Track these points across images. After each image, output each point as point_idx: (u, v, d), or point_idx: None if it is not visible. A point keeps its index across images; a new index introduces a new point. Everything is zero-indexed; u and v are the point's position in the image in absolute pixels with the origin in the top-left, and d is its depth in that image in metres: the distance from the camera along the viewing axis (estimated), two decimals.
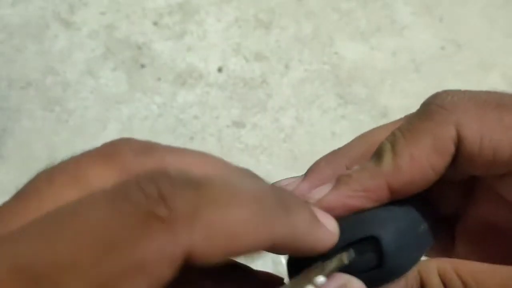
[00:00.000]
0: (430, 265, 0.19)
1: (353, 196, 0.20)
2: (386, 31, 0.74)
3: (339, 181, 0.20)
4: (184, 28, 0.73)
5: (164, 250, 0.13)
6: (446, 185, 0.21)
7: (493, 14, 0.76)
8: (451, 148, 0.19)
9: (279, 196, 0.16)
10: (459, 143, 0.19)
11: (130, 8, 0.74)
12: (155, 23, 0.73)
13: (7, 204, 0.16)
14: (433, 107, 0.19)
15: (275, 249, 0.16)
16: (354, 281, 0.18)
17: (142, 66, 0.70)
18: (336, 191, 0.20)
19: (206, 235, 0.14)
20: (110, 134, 0.66)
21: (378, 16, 0.75)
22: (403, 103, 0.69)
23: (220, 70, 0.70)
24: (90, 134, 0.66)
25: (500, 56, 0.74)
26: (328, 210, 0.19)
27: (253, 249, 0.15)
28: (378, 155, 0.19)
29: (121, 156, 0.16)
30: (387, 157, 0.19)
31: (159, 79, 0.69)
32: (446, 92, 0.20)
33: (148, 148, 0.17)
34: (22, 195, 0.16)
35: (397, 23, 0.75)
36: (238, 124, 0.67)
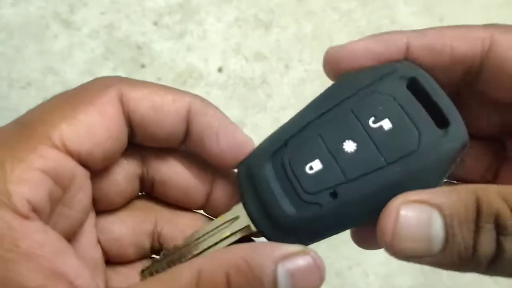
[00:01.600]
0: (489, 188, 0.19)
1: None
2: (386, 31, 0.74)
3: None
4: (184, 28, 0.73)
5: None
6: (487, 111, 0.23)
7: (493, 14, 0.76)
8: None
9: None
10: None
11: (130, 8, 0.74)
12: (155, 23, 0.73)
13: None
14: None
15: None
16: None
17: (142, 66, 0.70)
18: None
19: None
20: None
21: (378, 16, 0.75)
22: None
23: (220, 70, 0.70)
24: None
25: None
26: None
27: None
28: None
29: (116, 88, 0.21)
30: None
31: (159, 79, 0.69)
32: None
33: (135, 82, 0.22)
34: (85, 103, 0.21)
35: (397, 23, 0.75)
36: (238, 124, 0.67)
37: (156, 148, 0.23)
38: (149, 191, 0.24)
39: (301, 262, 0.20)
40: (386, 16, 0.75)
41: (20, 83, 0.68)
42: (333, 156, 0.23)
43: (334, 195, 0.22)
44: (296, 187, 0.23)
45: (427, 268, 0.66)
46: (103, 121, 0.20)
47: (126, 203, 0.24)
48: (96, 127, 0.20)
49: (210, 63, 0.71)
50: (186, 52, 0.71)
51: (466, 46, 0.21)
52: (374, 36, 0.23)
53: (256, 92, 0.69)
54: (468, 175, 0.25)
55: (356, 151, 0.22)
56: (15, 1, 0.74)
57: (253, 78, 0.70)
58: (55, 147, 0.19)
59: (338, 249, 0.62)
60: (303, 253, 0.20)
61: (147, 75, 0.70)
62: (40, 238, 0.18)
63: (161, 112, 0.22)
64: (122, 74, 0.70)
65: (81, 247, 0.22)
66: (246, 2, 0.74)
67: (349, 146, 0.23)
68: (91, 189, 0.22)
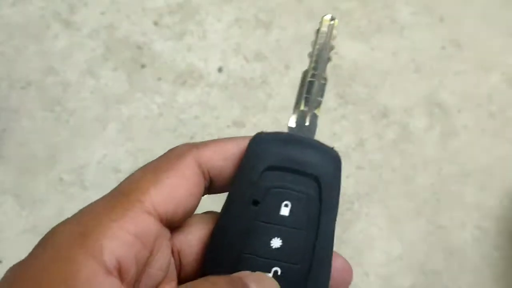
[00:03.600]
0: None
1: None
2: (386, 31, 0.74)
3: None
4: (184, 28, 0.73)
5: None
6: None
7: (493, 14, 0.76)
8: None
9: None
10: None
11: (130, 8, 0.74)
12: (155, 23, 0.73)
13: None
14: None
15: None
16: None
17: (142, 66, 0.70)
18: None
19: None
20: (110, 134, 0.66)
21: (378, 16, 0.75)
22: (403, 103, 0.69)
23: (220, 70, 0.70)
24: (90, 134, 0.66)
25: (501, 56, 0.74)
26: None
27: None
28: None
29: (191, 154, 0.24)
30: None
31: (159, 79, 0.69)
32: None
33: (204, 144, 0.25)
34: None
35: (397, 23, 0.75)
36: (238, 124, 0.67)
37: None
38: None
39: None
40: (386, 16, 0.75)
41: (20, 83, 0.68)
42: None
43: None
44: None
45: (427, 268, 0.66)
46: (183, 182, 0.23)
47: None
48: (178, 188, 0.23)
49: (210, 63, 0.71)
50: (186, 52, 0.71)
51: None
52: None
53: (256, 92, 0.69)
54: None
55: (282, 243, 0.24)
56: (15, 1, 0.74)
57: (253, 78, 0.70)
58: (147, 211, 0.22)
59: (338, 249, 0.62)
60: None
61: (147, 75, 0.70)
62: None
63: (229, 161, 0.25)
64: (122, 74, 0.70)
65: None
66: (246, 2, 0.74)
67: (276, 242, 0.24)
68: (170, 248, 0.24)
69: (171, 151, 0.25)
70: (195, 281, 0.22)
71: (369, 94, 0.70)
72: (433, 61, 0.73)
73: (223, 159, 0.25)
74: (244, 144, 0.25)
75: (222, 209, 0.25)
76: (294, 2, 0.74)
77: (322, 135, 0.75)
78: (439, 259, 0.63)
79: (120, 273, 0.20)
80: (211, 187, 0.26)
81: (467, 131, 0.69)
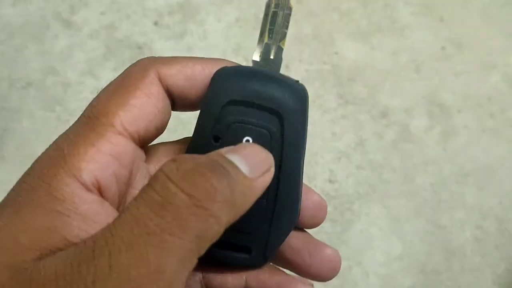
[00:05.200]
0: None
1: None
2: (386, 31, 0.74)
3: None
4: (185, 28, 0.73)
5: None
6: None
7: (493, 14, 0.76)
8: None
9: None
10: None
11: (130, 8, 0.74)
12: (155, 23, 0.73)
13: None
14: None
15: None
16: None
17: None
18: None
19: None
20: None
21: (378, 16, 0.75)
22: (403, 103, 0.69)
23: None
24: None
25: (501, 56, 0.74)
26: None
27: None
28: None
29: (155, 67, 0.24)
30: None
31: None
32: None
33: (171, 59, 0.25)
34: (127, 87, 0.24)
35: (397, 23, 0.75)
36: None
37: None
38: None
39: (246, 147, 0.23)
40: (386, 16, 0.75)
41: (20, 83, 0.68)
42: None
43: None
44: None
45: (427, 268, 0.66)
46: (150, 101, 0.24)
47: None
48: (146, 106, 0.24)
49: None
50: (187, 52, 0.71)
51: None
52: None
53: None
54: None
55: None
56: (15, 1, 0.74)
57: None
58: (119, 133, 0.22)
59: (338, 249, 0.62)
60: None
61: None
62: (97, 207, 0.21)
63: (194, 81, 0.25)
64: None
65: None
66: (246, 2, 0.74)
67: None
68: (147, 170, 0.25)
69: (134, 65, 0.25)
70: (179, 155, 0.22)
71: (369, 94, 0.70)
72: (433, 61, 0.73)
73: (186, 79, 0.25)
74: (211, 68, 0.25)
75: (189, 142, 0.26)
76: (294, 2, 0.74)
77: (322, 135, 0.75)
78: (439, 259, 0.63)
79: (100, 191, 0.21)
80: (175, 105, 0.26)
81: (467, 131, 0.69)
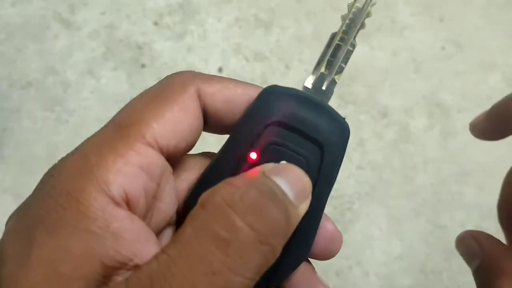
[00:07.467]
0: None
1: None
2: (386, 31, 0.74)
3: None
4: (185, 28, 0.73)
5: None
6: None
7: (493, 14, 0.76)
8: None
9: None
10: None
11: (130, 8, 0.74)
12: (155, 23, 0.73)
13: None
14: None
15: None
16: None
17: (143, 66, 0.70)
18: None
19: None
20: None
21: (378, 16, 0.75)
22: (403, 103, 0.69)
23: (220, 70, 0.70)
24: (90, 134, 0.66)
25: (501, 56, 0.74)
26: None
27: None
28: None
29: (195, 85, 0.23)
30: None
31: (159, 79, 0.69)
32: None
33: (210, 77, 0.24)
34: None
35: (397, 23, 0.75)
36: None
37: None
38: None
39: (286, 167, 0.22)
40: (386, 16, 0.75)
41: (20, 83, 0.68)
42: None
43: None
44: None
45: (427, 268, 0.66)
46: (186, 117, 0.23)
47: None
48: (181, 122, 0.23)
49: (210, 63, 0.71)
50: (187, 52, 0.71)
51: None
52: None
53: None
54: None
55: None
56: (15, 1, 0.74)
57: (254, 78, 0.70)
58: (149, 145, 0.21)
59: None
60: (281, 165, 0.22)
61: (147, 75, 0.70)
62: (127, 224, 0.20)
63: (232, 104, 0.24)
64: (123, 74, 0.70)
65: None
66: (246, 2, 0.74)
67: None
68: (174, 183, 0.24)
69: (173, 77, 0.24)
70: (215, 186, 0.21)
71: (369, 94, 0.70)
72: (433, 61, 0.73)
73: (224, 101, 0.24)
74: (252, 93, 0.24)
75: (219, 152, 0.24)
76: (294, 2, 0.74)
77: None
78: (439, 259, 0.63)
79: (128, 205, 0.20)
80: (206, 125, 0.25)
81: (467, 131, 0.69)
